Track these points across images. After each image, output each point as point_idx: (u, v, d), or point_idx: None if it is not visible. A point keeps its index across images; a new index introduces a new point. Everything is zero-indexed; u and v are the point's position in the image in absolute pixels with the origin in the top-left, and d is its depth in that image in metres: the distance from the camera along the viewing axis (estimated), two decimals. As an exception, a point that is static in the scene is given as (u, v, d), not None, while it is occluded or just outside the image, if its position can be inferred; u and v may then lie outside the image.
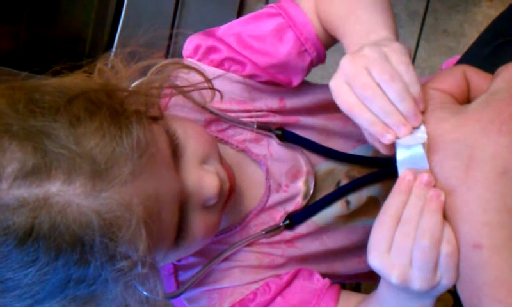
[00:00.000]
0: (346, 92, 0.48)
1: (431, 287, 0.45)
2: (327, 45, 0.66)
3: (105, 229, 0.44)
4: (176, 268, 0.65)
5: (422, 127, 0.46)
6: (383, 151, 0.49)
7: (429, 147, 0.46)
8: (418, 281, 0.45)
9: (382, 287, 0.52)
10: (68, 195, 0.43)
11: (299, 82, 0.66)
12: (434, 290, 0.46)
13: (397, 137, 0.46)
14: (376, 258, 0.46)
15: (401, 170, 0.48)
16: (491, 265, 0.43)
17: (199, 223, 0.55)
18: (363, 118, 0.47)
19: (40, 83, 0.50)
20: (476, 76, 0.50)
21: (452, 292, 0.54)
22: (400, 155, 0.47)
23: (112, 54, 0.58)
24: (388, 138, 0.46)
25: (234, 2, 1.50)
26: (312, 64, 0.66)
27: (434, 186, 0.46)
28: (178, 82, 0.62)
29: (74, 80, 0.52)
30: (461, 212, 0.44)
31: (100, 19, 1.20)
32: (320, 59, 0.66)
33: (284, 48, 0.63)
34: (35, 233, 0.43)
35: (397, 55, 0.47)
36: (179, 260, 0.64)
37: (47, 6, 1.16)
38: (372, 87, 0.46)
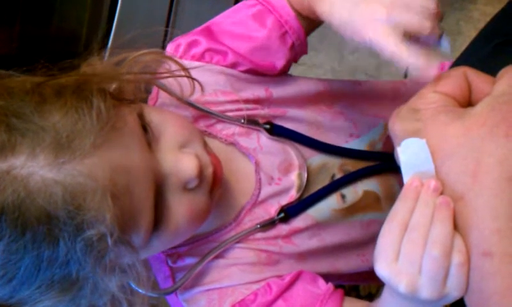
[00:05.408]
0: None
1: (439, 297, 0.45)
2: (307, 29, 0.66)
3: (70, 200, 0.45)
4: (173, 271, 0.64)
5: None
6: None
7: (433, 152, 0.45)
8: (427, 291, 0.45)
9: (386, 294, 0.52)
10: (32, 168, 0.45)
11: (281, 65, 0.66)
12: (441, 300, 0.45)
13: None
14: (384, 267, 0.46)
15: (406, 173, 0.47)
16: (502, 273, 0.42)
17: (181, 206, 0.55)
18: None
19: (16, 78, 0.52)
20: (477, 78, 0.49)
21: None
22: (404, 157, 0.47)
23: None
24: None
25: (229, 1, 1.50)
26: (294, 49, 0.66)
27: (442, 193, 0.45)
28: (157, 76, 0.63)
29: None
30: (470, 220, 0.43)
31: (95, 19, 1.19)
32: (301, 44, 0.67)
33: (264, 31, 0.64)
34: None
35: None
36: (175, 262, 0.64)
37: (41, 7, 1.15)
38: None
